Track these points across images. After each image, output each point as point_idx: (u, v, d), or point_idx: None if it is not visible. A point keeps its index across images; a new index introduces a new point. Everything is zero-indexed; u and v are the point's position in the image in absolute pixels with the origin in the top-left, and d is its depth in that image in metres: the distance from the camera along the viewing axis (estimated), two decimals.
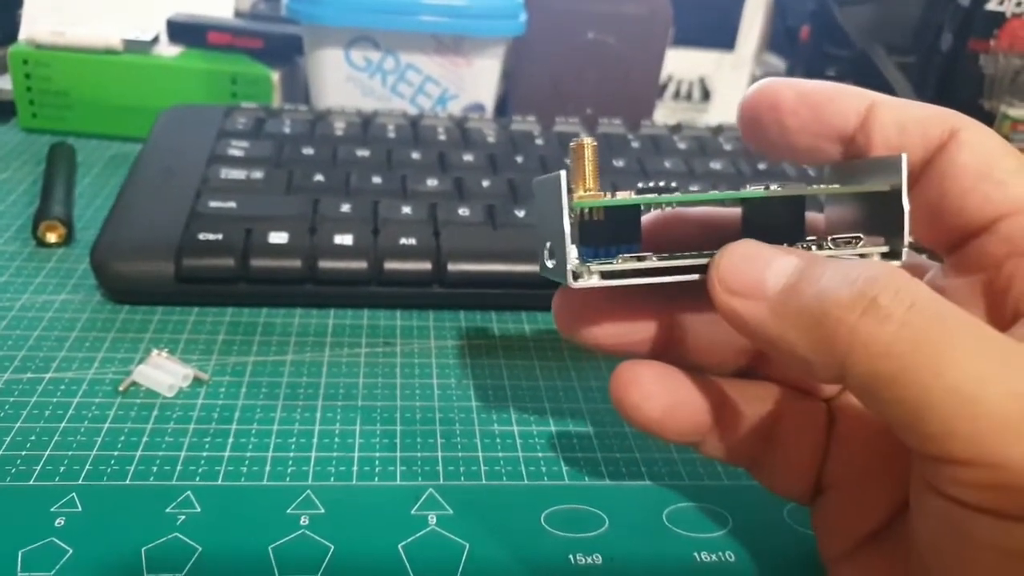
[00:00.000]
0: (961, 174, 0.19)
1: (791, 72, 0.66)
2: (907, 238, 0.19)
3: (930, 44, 0.59)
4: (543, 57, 0.50)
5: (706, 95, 0.59)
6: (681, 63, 0.58)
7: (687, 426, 0.21)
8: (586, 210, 0.19)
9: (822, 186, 0.20)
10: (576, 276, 0.19)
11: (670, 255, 0.19)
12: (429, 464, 0.26)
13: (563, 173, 0.18)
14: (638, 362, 0.21)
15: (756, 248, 0.18)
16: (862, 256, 0.19)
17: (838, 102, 0.20)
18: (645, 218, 0.22)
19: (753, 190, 0.20)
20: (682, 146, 0.44)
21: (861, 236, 0.19)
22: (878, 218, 0.20)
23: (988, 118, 0.54)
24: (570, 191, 0.19)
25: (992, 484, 0.15)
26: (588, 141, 0.19)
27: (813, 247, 0.19)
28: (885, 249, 0.19)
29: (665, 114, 0.59)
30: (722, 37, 0.58)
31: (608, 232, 0.20)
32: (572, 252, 0.18)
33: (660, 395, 0.21)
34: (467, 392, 0.29)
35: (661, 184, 0.22)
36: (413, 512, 0.24)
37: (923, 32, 0.61)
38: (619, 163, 0.42)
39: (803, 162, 0.22)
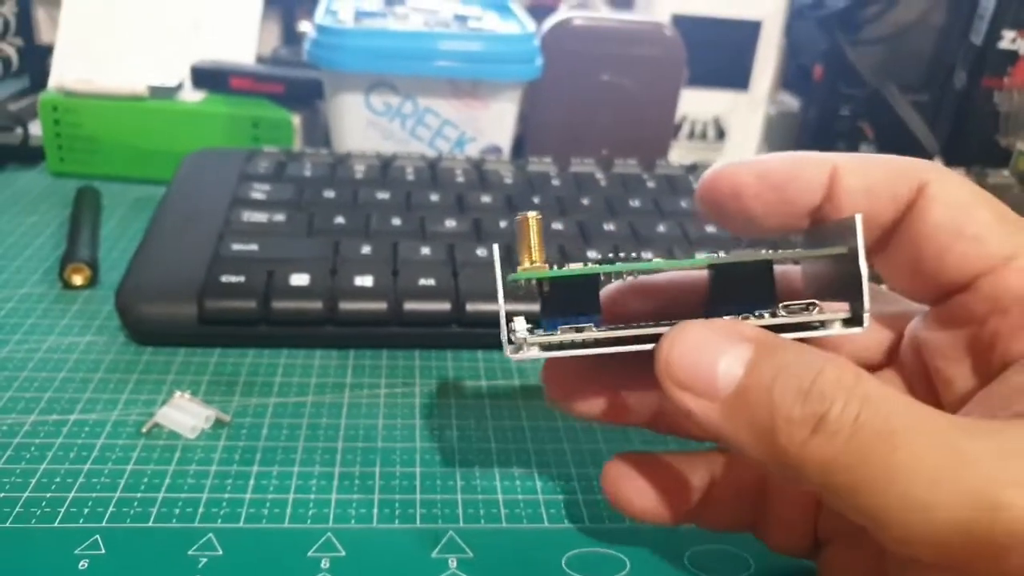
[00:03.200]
0: (934, 233, 0.18)
1: (805, 111, 0.66)
2: (867, 302, 0.18)
3: (943, 82, 0.60)
4: (559, 99, 0.51)
5: (721, 135, 0.60)
6: (696, 103, 0.58)
7: (677, 512, 0.22)
8: (544, 283, 0.19)
9: (782, 252, 0.19)
10: (517, 349, 0.19)
11: (616, 326, 0.19)
12: (449, 506, 0.26)
13: (496, 247, 0.19)
14: (625, 457, 0.22)
15: (704, 335, 0.17)
16: (822, 323, 0.19)
17: (800, 177, 0.19)
18: (606, 289, 0.22)
19: (714, 257, 0.19)
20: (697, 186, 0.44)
21: (816, 302, 0.19)
22: (844, 280, 0.19)
23: (1004, 154, 0.54)
24: (514, 265, 0.19)
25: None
26: (532, 215, 0.19)
27: (766, 314, 0.19)
28: (846, 315, 0.19)
29: (680, 154, 0.59)
30: (736, 77, 0.59)
31: (565, 303, 0.20)
32: (512, 326, 0.19)
33: (650, 487, 0.21)
34: (486, 433, 0.29)
35: (622, 254, 0.22)
36: (434, 555, 0.24)
37: (936, 70, 0.62)
38: (635, 203, 0.42)
39: (773, 236, 0.22)
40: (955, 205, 0.18)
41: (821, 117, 0.64)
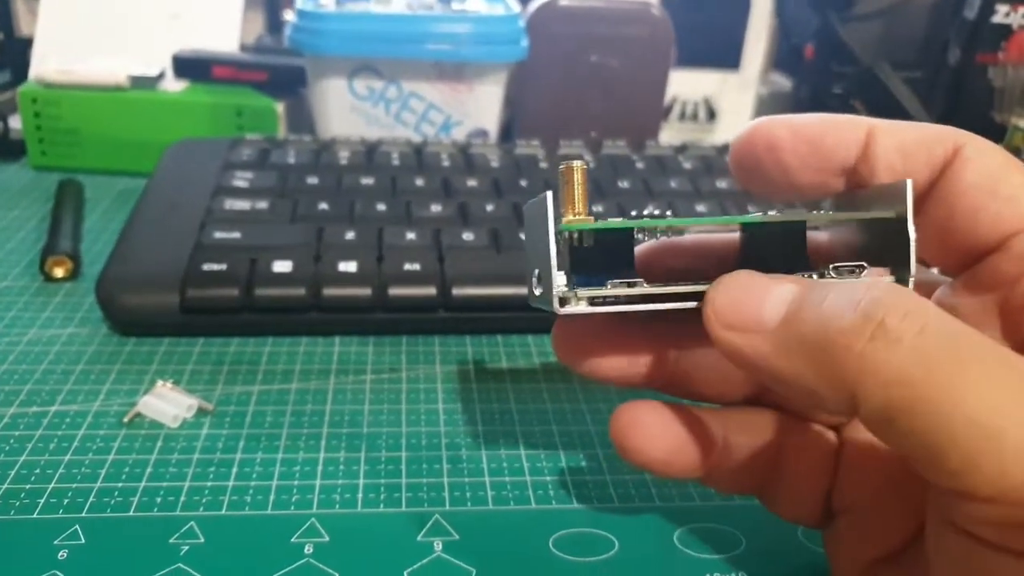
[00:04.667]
0: (969, 193, 0.18)
1: (797, 90, 0.66)
2: (913, 267, 0.18)
3: (937, 58, 0.59)
4: (546, 82, 0.51)
5: (712, 115, 0.59)
6: (686, 84, 0.58)
7: (690, 463, 0.21)
8: (576, 236, 0.19)
9: (823, 212, 0.19)
10: (563, 302, 0.18)
11: (663, 283, 0.18)
12: (435, 490, 0.25)
13: (549, 194, 0.18)
14: (637, 403, 0.20)
15: (750, 278, 0.17)
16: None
17: (836, 134, 0.19)
18: (639, 248, 0.22)
19: (751, 216, 0.19)
20: (687, 166, 0.44)
21: (865, 265, 0.19)
22: (883, 246, 0.19)
23: (999, 131, 0.54)
24: (559, 215, 0.18)
25: (1016, 523, 0.14)
26: (578, 164, 0.19)
27: (814, 275, 0.18)
28: (891, 279, 0.19)
29: (671, 135, 0.59)
30: (727, 57, 0.59)
31: (600, 260, 0.19)
32: (559, 278, 0.18)
33: (662, 436, 0.20)
34: (473, 416, 0.29)
35: (656, 213, 0.22)
36: (419, 538, 0.23)
37: (929, 47, 0.61)
38: (624, 184, 0.41)
39: (806, 199, 0.21)
40: (990, 167, 0.18)
41: (813, 96, 0.63)
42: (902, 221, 0.18)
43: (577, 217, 0.19)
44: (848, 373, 0.15)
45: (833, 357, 0.15)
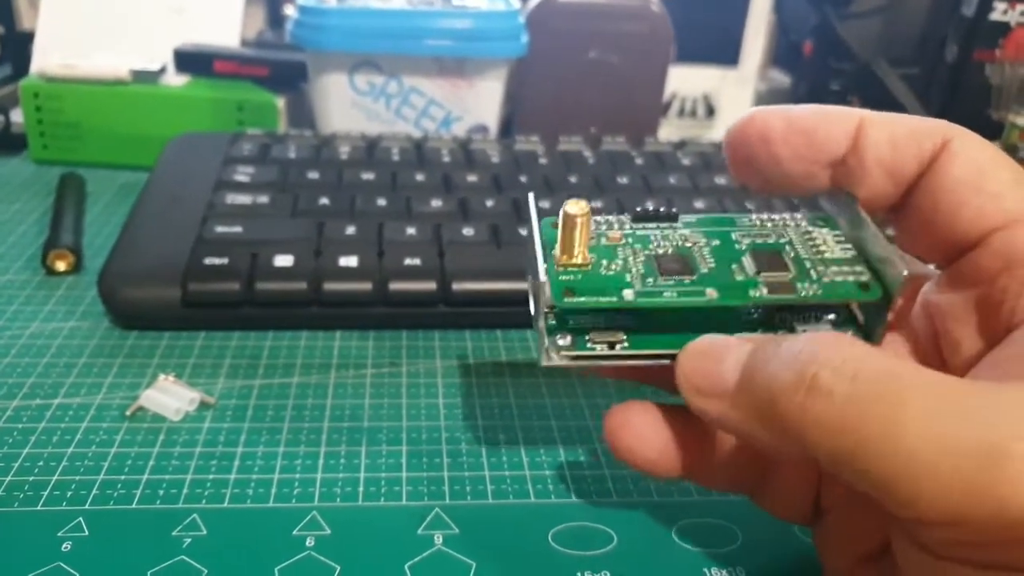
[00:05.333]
0: (953, 188, 0.18)
1: (796, 87, 0.66)
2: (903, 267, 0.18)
3: (934, 55, 0.59)
4: (546, 77, 0.51)
5: (711, 111, 0.59)
6: (685, 80, 0.58)
7: (682, 463, 0.21)
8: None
9: (809, 295, 0.19)
10: (548, 359, 0.20)
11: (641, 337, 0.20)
12: (435, 483, 0.26)
13: (545, 282, 0.19)
14: (628, 404, 0.21)
15: (711, 345, 0.18)
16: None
17: (827, 125, 0.20)
18: None
19: (749, 294, 0.19)
20: (686, 162, 0.44)
21: (827, 313, 0.20)
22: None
23: (996, 128, 0.54)
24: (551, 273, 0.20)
25: (965, 541, 0.15)
26: (580, 215, 0.20)
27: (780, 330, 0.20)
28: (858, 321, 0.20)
29: (670, 131, 0.59)
30: (725, 53, 0.59)
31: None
32: (546, 342, 0.20)
33: (653, 436, 0.21)
34: (473, 411, 0.29)
35: (661, 209, 0.22)
36: (419, 532, 0.24)
37: (927, 43, 0.61)
38: (623, 180, 0.42)
39: (792, 192, 0.21)
40: (976, 162, 0.18)
41: (811, 93, 0.64)
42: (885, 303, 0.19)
43: (574, 262, 0.20)
44: (793, 428, 0.16)
45: (780, 415, 0.16)
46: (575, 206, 0.20)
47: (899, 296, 0.18)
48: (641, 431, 0.21)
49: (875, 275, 0.19)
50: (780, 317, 0.20)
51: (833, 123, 0.20)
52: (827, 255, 0.20)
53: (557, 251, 0.20)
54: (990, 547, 0.15)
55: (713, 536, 0.24)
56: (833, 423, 0.15)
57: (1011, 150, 0.47)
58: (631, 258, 0.21)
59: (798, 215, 0.22)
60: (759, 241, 0.21)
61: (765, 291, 0.19)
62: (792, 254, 0.20)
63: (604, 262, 0.20)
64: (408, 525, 0.24)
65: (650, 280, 0.20)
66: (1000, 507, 0.14)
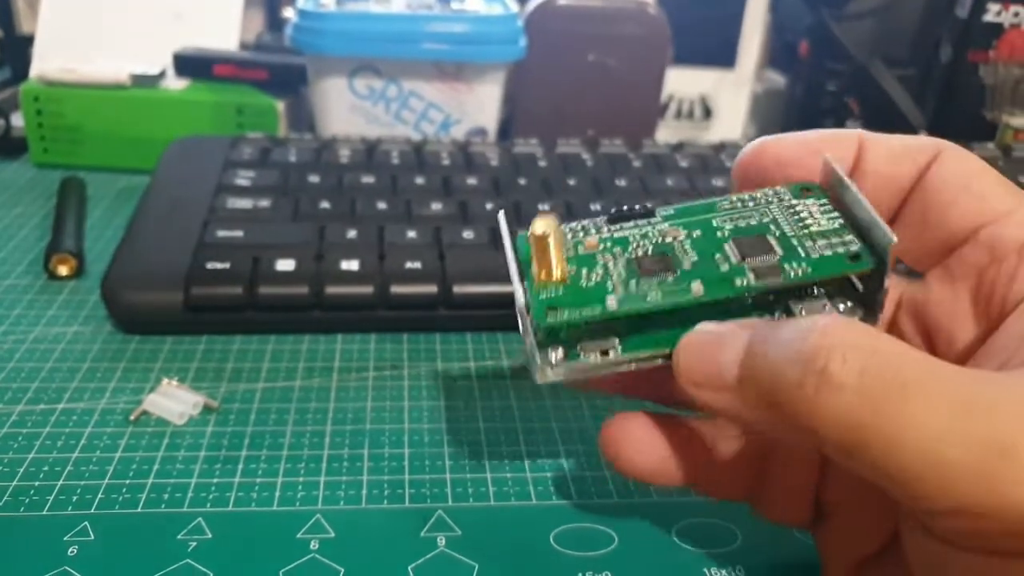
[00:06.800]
0: (943, 189, 0.20)
1: (792, 88, 0.66)
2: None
3: (929, 56, 0.60)
4: (544, 80, 0.51)
5: (707, 113, 0.60)
6: (682, 82, 0.58)
7: (679, 473, 0.21)
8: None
9: (799, 276, 0.19)
10: (544, 374, 0.20)
11: (636, 340, 0.20)
12: (438, 486, 0.26)
13: (529, 319, 0.19)
14: (625, 415, 0.21)
15: (705, 337, 0.18)
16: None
17: (834, 148, 0.21)
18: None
19: (735, 284, 0.19)
20: (684, 164, 0.44)
21: (821, 288, 0.19)
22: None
23: (990, 128, 0.54)
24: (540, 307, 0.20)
25: (973, 530, 0.15)
26: (549, 232, 0.20)
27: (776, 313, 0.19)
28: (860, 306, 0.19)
29: (667, 133, 0.59)
30: (722, 55, 0.59)
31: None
32: (538, 359, 0.20)
33: (650, 447, 0.21)
34: (475, 413, 0.29)
35: (636, 207, 0.22)
36: (422, 534, 0.24)
37: (922, 44, 0.61)
38: (621, 183, 0.42)
39: None
40: (964, 167, 0.20)
41: (807, 94, 0.64)
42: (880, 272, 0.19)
43: (553, 279, 0.20)
44: (804, 420, 0.16)
45: (790, 407, 0.16)
46: (541, 224, 0.19)
47: (891, 262, 0.18)
48: (638, 442, 0.21)
49: (864, 243, 0.19)
50: (775, 296, 0.20)
51: (838, 144, 0.21)
52: (813, 228, 0.20)
53: (535, 268, 0.20)
54: (1001, 536, 0.15)
55: (713, 536, 0.24)
56: (843, 417, 0.15)
57: (1005, 150, 0.47)
58: (611, 264, 0.20)
59: (781, 188, 0.21)
60: (741, 224, 0.20)
61: (752, 278, 0.19)
62: (777, 233, 0.20)
63: (584, 271, 0.20)
64: (411, 527, 0.24)
65: (632, 284, 0.19)
66: (1004, 502, 0.14)
